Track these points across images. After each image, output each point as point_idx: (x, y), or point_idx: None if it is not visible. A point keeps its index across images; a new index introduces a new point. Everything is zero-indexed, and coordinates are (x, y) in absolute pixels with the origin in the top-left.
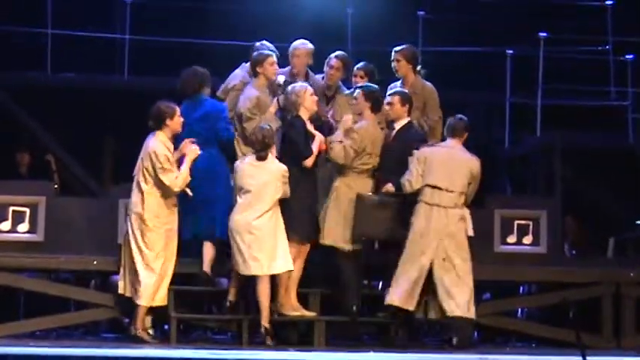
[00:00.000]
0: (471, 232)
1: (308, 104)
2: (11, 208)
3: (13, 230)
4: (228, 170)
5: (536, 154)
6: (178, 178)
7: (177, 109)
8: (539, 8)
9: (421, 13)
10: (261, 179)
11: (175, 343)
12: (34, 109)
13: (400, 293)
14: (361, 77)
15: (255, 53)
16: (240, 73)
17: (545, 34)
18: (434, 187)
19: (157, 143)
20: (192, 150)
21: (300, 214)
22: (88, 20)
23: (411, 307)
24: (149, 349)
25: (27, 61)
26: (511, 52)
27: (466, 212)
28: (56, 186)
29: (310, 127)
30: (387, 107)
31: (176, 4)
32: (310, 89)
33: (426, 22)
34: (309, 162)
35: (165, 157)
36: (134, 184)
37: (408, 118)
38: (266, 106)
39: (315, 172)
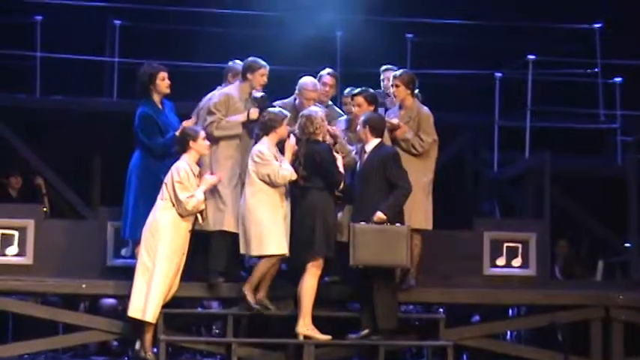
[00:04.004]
0: None
1: (324, 133)
2: (0, 232)
3: (1, 253)
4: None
5: (526, 177)
6: (192, 198)
7: (202, 132)
8: (527, 31)
9: (409, 35)
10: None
11: None
12: (23, 131)
13: None
14: (359, 105)
15: (249, 59)
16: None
17: (533, 57)
18: None
19: (182, 162)
20: (208, 178)
21: (329, 231)
22: (77, 43)
23: None
24: None
25: (16, 83)
26: (500, 74)
27: None
28: (46, 209)
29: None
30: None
31: (164, 27)
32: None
33: (414, 45)
34: (342, 187)
35: (186, 173)
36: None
37: (379, 139)
38: (234, 110)
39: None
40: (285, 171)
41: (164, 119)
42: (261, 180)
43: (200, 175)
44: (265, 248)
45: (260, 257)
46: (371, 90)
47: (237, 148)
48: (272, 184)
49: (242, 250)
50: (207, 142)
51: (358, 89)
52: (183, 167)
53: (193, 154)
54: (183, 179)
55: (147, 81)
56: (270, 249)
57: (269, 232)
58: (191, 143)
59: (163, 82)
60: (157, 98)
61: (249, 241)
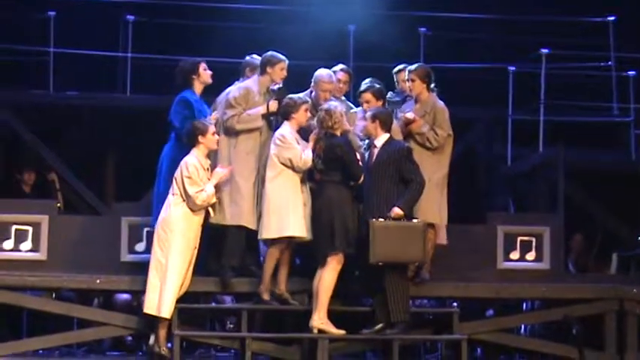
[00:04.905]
0: None
1: (344, 127)
2: (14, 227)
3: (16, 249)
4: (174, 162)
5: (539, 171)
6: (202, 192)
7: (211, 127)
8: (540, 25)
9: (422, 29)
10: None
11: None
12: (36, 127)
13: None
14: (367, 101)
15: (268, 53)
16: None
17: (547, 51)
18: None
19: (191, 157)
20: (218, 171)
21: (348, 225)
22: (90, 39)
23: None
24: None
25: (30, 79)
26: (513, 68)
27: None
28: (59, 204)
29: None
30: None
31: (178, 22)
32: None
33: (427, 39)
34: (362, 179)
35: (195, 167)
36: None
37: (388, 134)
38: (254, 104)
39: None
40: (307, 156)
41: (200, 109)
42: (282, 164)
43: (211, 169)
44: (284, 230)
45: (275, 240)
46: (377, 85)
47: (257, 143)
48: (293, 169)
49: (260, 236)
50: (216, 137)
51: (365, 86)
52: (192, 162)
53: (202, 149)
54: (192, 174)
55: (190, 71)
56: (289, 230)
57: (289, 214)
58: (200, 138)
59: (206, 72)
60: (198, 89)
61: (268, 224)
